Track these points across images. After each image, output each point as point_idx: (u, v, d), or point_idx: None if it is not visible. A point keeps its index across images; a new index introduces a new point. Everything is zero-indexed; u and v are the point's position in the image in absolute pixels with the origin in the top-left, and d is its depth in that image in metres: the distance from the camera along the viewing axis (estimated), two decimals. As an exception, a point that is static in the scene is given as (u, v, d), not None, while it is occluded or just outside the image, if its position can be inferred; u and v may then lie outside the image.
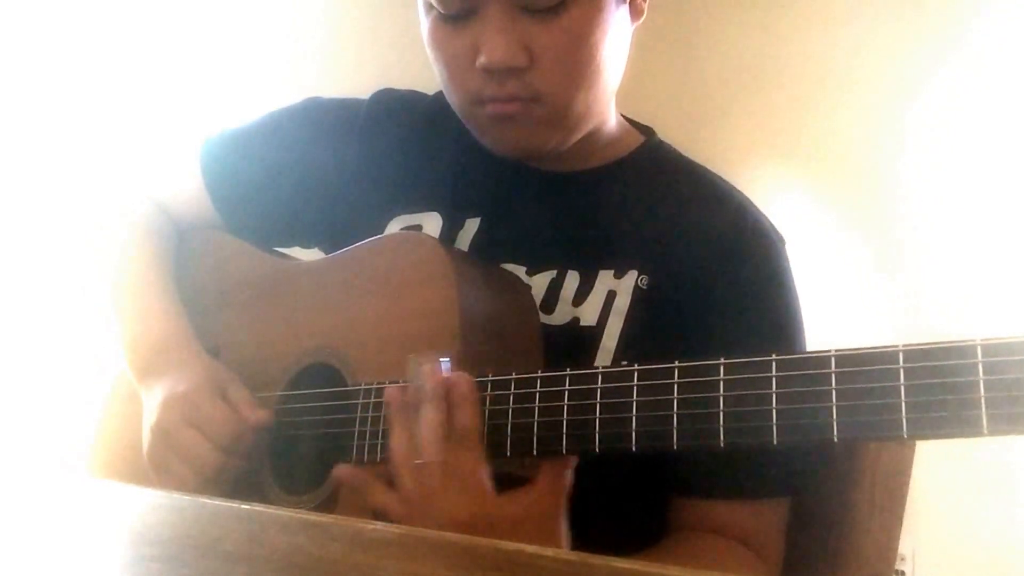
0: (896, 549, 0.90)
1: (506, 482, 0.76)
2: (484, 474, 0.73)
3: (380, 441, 0.80)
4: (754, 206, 0.96)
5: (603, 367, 0.68)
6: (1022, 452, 2.26)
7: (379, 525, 0.51)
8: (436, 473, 0.72)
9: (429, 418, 0.73)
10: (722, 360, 0.62)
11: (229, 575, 0.48)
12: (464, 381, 0.74)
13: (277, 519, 0.55)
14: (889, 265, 2.56)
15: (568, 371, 0.69)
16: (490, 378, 0.74)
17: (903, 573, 2.35)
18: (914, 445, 0.90)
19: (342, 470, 0.81)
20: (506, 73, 0.83)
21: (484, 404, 0.74)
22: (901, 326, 2.44)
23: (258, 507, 0.56)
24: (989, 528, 2.32)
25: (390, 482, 0.76)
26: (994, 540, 2.32)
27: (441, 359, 0.75)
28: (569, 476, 0.74)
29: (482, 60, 0.83)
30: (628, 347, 0.88)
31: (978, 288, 2.38)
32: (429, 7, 0.86)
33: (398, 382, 0.80)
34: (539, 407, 0.71)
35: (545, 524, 0.74)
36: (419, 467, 0.73)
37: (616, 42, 0.88)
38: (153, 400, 0.92)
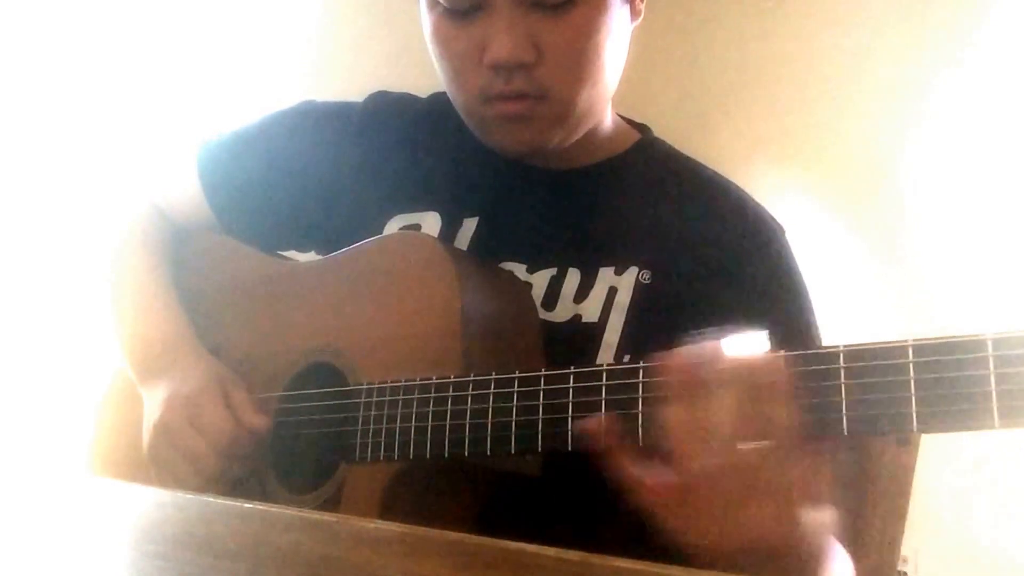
0: (899, 549, 0.90)
1: (509, 480, 0.76)
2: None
3: (383, 440, 0.80)
4: (752, 198, 0.96)
5: (608, 364, 0.68)
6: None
7: (380, 524, 0.51)
8: (749, 475, 0.60)
9: (741, 406, 0.60)
10: None
11: (232, 573, 0.48)
12: (786, 370, 0.59)
13: (280, 517, 0.55)
14: (890, 262, 2.56)
15: (572, 369, 0.69)
16: (493, 376, 0.74)
17: (905, 574, 2.35)
18: (917, 445, 0.90)
19: (594, 421, 0.66)
20: (514, 69, 0.83)
21: (488, 402, 0.74)
22: (903, 322, 2.45)
23: (261, 506, 0.56)
24: (991, 529, 2.32)
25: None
26: (996, 541, 2.32)
27: (756, 338, 0.62)
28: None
29: (490, 56, 0.83)
30: (630, 343, 0.88)
31: (980, 284, 2.38)
32: (434, 3, 0.86)
33: (400, 382, 0.79)
34: (543, 404, 0.71)
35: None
36: (724, 464, 0.60)
37: (618, 41, 0.89)
38: (155, 399, 0.91)
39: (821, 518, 0.63)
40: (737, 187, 0.97)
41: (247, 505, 0.55)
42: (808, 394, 0.58)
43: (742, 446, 0.59)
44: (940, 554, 2.33)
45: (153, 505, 0.61)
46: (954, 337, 0.53)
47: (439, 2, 0.85)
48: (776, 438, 0.59)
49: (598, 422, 0.65)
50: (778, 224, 0.95)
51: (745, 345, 0.62)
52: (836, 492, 0.63)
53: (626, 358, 0.87)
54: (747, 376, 0.60)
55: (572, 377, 0.69)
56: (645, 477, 0.62)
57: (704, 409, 0.60)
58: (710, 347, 0.61)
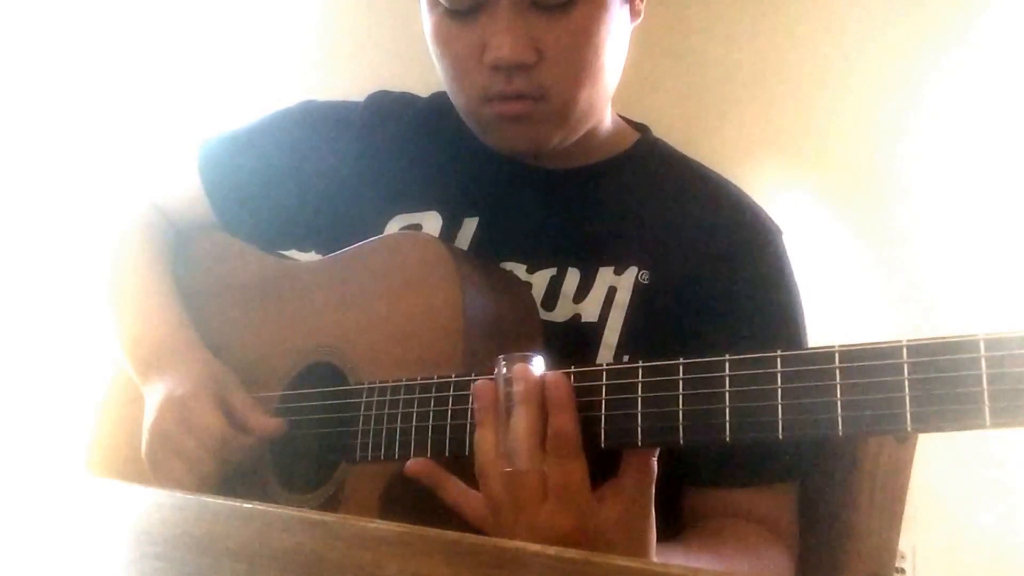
0: (896, 547, 0.90)
1: None
2: (587, 484, 0.67)
3: (384, 439, 0.80)
4: (750, 199, 0.96)
5: (608, 364, 0.68)
6: (1022, 451, 2.26)
7: (380, 524, 0.51)
8: (533, 483, 0.66)
9: (525, 423, 0.67)
10: (727, 357, 0.62)
11: (231, 573, 0.48)
12: (563, 384, 0.67)
13: (279, 518, 0.55)
14: (888, 261, 2.57)
15: (572, 368, 0.69)
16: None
17: (903, 571, 2.35)
18: (914, 444, 0.90)
19: (415, 464, 0.74)
20: (514, 69, 0.84)
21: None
22: (900, 321, 2.45)
23: (260, 506, 0.56)
24: (989, 526, 2.32)
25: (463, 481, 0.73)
26: (994, 538, 2.32)
27: (533, 358, 0.68)
28: (654, 466, 0.69)
29: (491, 56, 0.83)
30: (630, 342, 0.88)
31: (977, 284, 2.38)
32: (434, 3, 0.86)
33: (402, 381, 0.80)
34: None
35: (642, 523, 0.69)
36: (511, 475, 0.67)
37: (618, 41, 0.89)
38: (153, 400, 0.92)
39: (622, 516, 0.68)
40: (736, 188, 0.97)
41: (246, 505, 0.56)
42: (803, 393, 0.58)
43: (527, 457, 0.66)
44: (938, 551, 2.33)
45: (152, 505, 0.61)
46: (947, 337, 0.53)
47: (440, 2, 0.85)
48: (556, 445, 0.66)
49: (419, 464, 0.74)
50: (776, 226, 0.95)
51: (536, 365, 0.68)
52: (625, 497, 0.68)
53: (625, 358, 0.87)
54: (533, 394, 0.67)
55: (573, 376, 0.69)
56: (460, 501, 0.72)
57: (496, 429, 0.68)
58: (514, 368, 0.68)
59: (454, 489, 0.73)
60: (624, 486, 0.68)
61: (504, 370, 0.68)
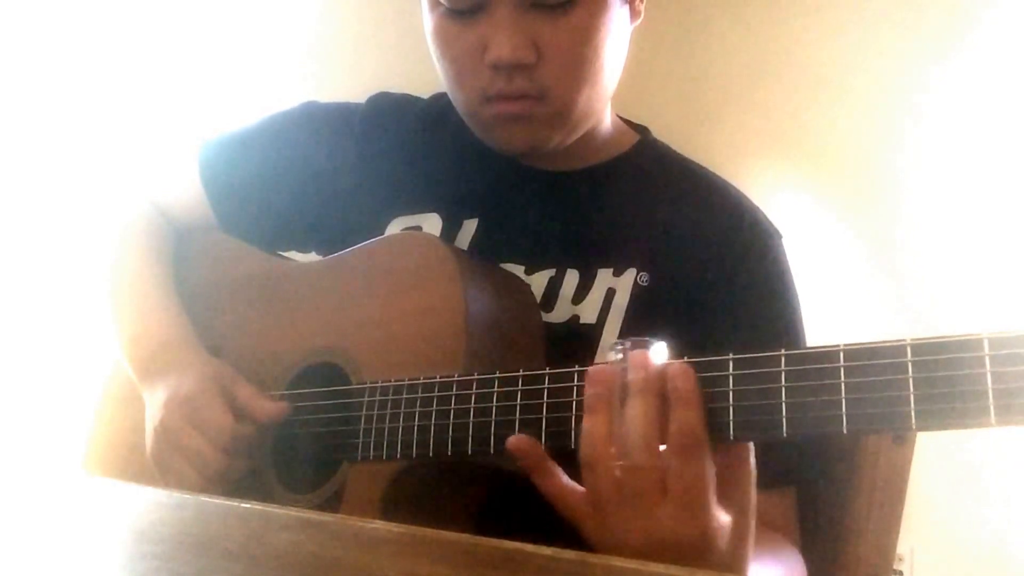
0: (894, 549, 0.91)
1: (510, 480, 0.76)
2: (713, 488, 0.62)
3: (385, 439, 0.80)
4: (750, 202, 0.96)
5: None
6: (1020, 451, 2.26)
7: (380, 524, 0.51)
8: (650, 480, 0.61)
9: (645, 416, 0.62)
10: (731, 355, 0.62)
11: (229, 573, 0.48)
12: (690, 375, 0.62)
13: (278, 518, 0.55)
14: (886, 261, 2.57)
15: (576, 367, 0.69)
16: (496, 375, 0.74)
17: (901, 573, 2.36)
18: (912, 446, 0.90)
19: (519, 440, 0.68)
20: (514, 69, 0.84)
21: (491, 402, 0.73)
22: (898, 321, 2.45)
23: (258, 506, 0.56)
24: (987, 528, 2.33)
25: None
26: (992, 540, 2.32)
27: (654, 344, 0.63)
28: (753, 467, 0.64)
29: (491, 56, 0.83)
30: None
31: (975, 284, 2.39)
32: (435, 4, 0.87)
33: (404, 381, 0.80)
34: (547, 403, 0.71)
35: (747, 535, 0.64)
36: (627, 470, 0.62)
37: (617, 41, 0.89)
38: (156, 400, 0.91)
39: (734, 523, 0.63)
40: (737, 191, 0.97)
41: (245, 505, 0.55)
42: (808, 392, 0.58)
43: (645, 453, 0.61)
44: (936, 553, 2.33)
45: (150, 505, 0.61)
46: (951, 336, 0.53)
47: (440, 2, 0.85)
48: (681, 443, 0.61)
49: (525, 441, 0.68)
50: (775, 230, 0.95)
51: (656, 353, 0.64)
52: (750, 497, 0.64)
53: None
54: (653, 384, 0.62)
55: (576, 376, 0.69)
56: (560, 492, 0.66)
57: (610, 419, 0.63)
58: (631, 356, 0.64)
59: (554, 477, 0.67)
60: (731, 494, 0.63)
61: (621, 356, 0.63)
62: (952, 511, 2.33)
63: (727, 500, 0.63)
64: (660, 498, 0.61)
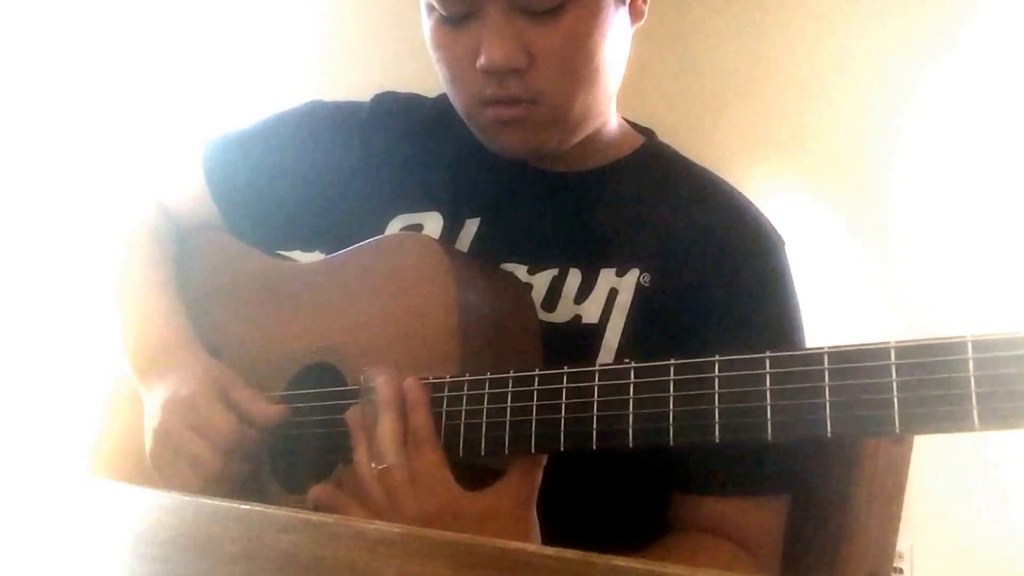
0: (894, 546, 0.90)
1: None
2: (446, 471, 0.74)
3: None
4: (754, 207, 0.96)
5: (600, 365, 0.68)
6: (1019, 450, 2.26)
7: (380, 525, 0.51)
8: (398, 475, 0.74)
9: (386, 426, 0.76)
10: (717, 357, 0.62)
11: (229, 575, 0.48)
12: (415, 386, 0.76)
13: (277, 519, 0.55)
14: (883, 262, 2.57)
15: (565, 369, 0.69)
16: (488, 376, 0.75)
17: (901, 571, 2.35)
18: (911, 443, 0.90)
19: (318, 490, 0.82)
20: (506, 74, 0.84)
21: (482, 403, 0.74)
22: (894, 324, 2.45)
23: (257, 507, 0.56)
24: (986, 526, 2.33)
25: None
26: (991, 538, 2.32)
27: (391, 371, 0.77)
28: (539, 472, 0.75)
29: (482, 61, 0.84)
30: (630, 344, 0.88)
31: (970, 286, 2.38)
32: (431, 8, 0.87)
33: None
34: (537, 405, 0.71)
35: (514, 517, 0.75)
36: (382, 472, 0.75)
37: (615, 44, 0.89)
38: (154, 402, 0.92)
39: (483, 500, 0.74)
40: (741, 195, 0.97)
41: (244, 507, 0.55)
42: (792, 395, 0.58)
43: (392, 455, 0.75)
44: (935, 551, 2.33)
45: (150, 507, 0.61)
46: (935, 339, 0.53)
47: (435, 8, 0.86)
48: (415, 438, 0.75)
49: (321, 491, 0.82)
50: (778, 236, 0.95)
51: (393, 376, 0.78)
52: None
53: (627, 360, 0.87)
54: (393, 401, 0.76)
55: (566, 377, 0.69)
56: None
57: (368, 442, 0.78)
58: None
59: (353, 507, 0.79)
60: (503, 483, 0.75)
61: (369, 386, 0.77)
62: (952, 508, 2.32)
63: (498, 491, 0.75)
64: (410, 485, 0.74)
